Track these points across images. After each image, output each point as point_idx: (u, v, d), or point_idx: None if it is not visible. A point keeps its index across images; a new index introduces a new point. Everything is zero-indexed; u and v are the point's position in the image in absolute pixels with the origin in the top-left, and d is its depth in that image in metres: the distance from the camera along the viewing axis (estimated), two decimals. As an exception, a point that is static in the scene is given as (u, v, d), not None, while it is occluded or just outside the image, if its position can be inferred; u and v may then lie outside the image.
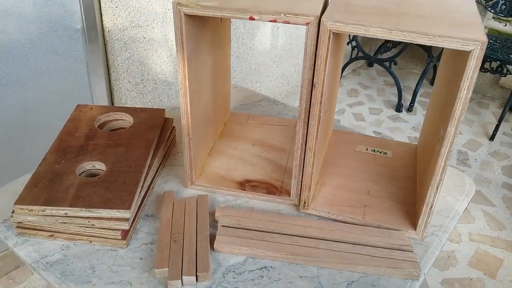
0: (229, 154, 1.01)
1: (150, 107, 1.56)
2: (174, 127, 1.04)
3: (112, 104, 1.74)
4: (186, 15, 0.73)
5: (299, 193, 0.87)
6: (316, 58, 0.71)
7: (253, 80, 2.41)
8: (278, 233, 0.80)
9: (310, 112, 0.77)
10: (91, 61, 1.58)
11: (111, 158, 0.86)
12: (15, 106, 1.46)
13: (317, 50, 0.71)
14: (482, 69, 2.74)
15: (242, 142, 1.05)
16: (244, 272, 0.75)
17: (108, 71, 1.66)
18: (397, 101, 2.87)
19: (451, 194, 0.95)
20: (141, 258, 0.76)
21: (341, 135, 1.09)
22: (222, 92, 1.05)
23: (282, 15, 0.70)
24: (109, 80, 1.68)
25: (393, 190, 0.92)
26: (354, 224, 0.84)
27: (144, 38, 1.70)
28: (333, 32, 0.68)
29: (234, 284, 0.73)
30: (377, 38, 3.51)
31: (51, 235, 0.78)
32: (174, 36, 1.80)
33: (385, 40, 3.28)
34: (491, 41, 2.78)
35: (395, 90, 3.06)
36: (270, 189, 0.91)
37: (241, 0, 0.74)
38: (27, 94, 1.47)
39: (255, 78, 2.41)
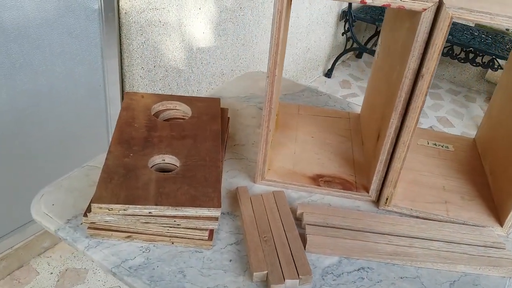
0: (291, 147, 0.95)
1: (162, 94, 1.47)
2: (229, 117, 0.97)
3: (123, 91, 1.63)
4: (286, -4, 0.67)
5: (379, 189, 0.83)
6: (430, 46, 0.67)
7: (255, 69, 2.34)
8: (370, 232, 0.76)
9: (411, 104, 0.72)
10: (106, 44, 1.47)
11: (182, 151, 0.79)
12: (28, 91, 1.34)
13: (432, 37, 0.66)
14: (474, 63, 2.79)
15: (300, 134, 0.99)
16: (342, 273, 0.70)
17: (121, 56, 1.56)
18: (391, 93, 2.88)
19: (519, 189, 0.93)
20: (231, 260, 0.70)
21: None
22: (279, 80, 0.99)
23: (398, 0, 0.65)
24: (121, 66, 1.58)
25: (466, 185, 0.90)
26: (439, 221, 0.81)
27: (159, 21, 1.60)
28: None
29: (336, 287, 0.68)
30: (365, 30, 3.52)
31: (129, 236, 0.71)
32: (187, 20, 1.71)
33: (376, 32, 3.28)
34: (483, 36, 2.83)
35: (386, 82, 3.07)
36: (346, 184, 0.86)
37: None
38: (39, 79, 1.35)
39: (257, 67, 2.34)
